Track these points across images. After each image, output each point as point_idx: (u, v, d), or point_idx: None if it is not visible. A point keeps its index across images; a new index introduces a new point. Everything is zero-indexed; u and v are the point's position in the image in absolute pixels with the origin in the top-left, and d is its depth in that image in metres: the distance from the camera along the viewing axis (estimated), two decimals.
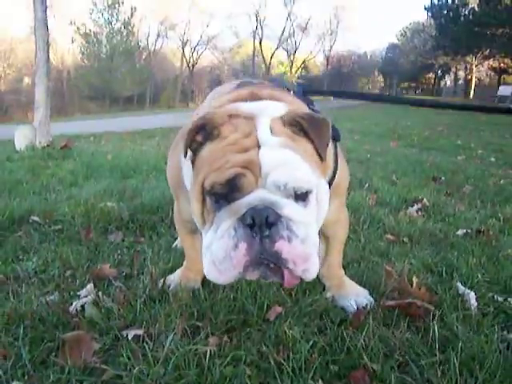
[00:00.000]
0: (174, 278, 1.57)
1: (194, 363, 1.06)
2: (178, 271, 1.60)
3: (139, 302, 1.36)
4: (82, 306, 1.36)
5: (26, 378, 1.04)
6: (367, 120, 12.54)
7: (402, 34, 52.45)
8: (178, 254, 1.82)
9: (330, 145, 1.16)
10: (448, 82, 53.27)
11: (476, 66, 35.85)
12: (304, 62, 50.97)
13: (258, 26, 45.99)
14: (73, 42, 36.98)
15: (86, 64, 36.59)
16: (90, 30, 36.09)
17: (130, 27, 37.39)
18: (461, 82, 46.45)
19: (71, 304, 1.37)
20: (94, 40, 36.10)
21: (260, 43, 46.64)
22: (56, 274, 1.64)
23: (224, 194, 0.93)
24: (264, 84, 1.45)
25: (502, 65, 34.29)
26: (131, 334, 1.19)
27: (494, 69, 37.28)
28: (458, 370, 1.08)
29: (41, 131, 5.12)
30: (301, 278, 0.95)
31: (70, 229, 2.20)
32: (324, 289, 1.52)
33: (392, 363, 1.13)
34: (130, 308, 1.34)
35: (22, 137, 5.14)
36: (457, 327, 1.29)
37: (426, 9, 34.20)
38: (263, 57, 47.13)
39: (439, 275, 1.86)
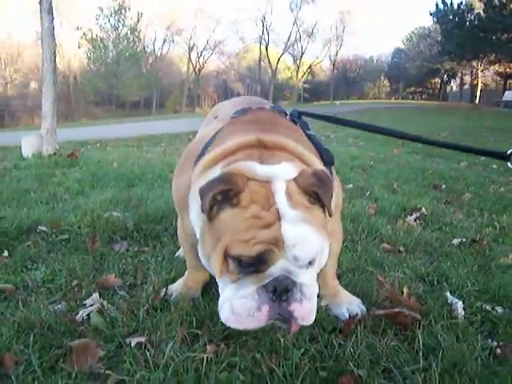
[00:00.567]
0: (175, 288, 1.65)
1: (192, 369, 1.13)
2: (180, 281, 1.68)
3: (142, 311, 1.45)
4: (88, 315, 1.44)
5: (36, 383, 1.12)
6: None
7: (407, 39, 52.51)
8: (180, 263, 1.90)
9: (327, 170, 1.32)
10: (454, 87, 53.16)
11: (482, 71, 35.80)
12: (310, 66, 51.13)
13: (264, 31, 46.26)
14: (79, 47, 37.43)
15: (92, 69, 36.97)
16: (97, 36, 36.49)
17: (136, 32, 37.76)
18: (467, 86, 46.35)
19: (77, 313, 1.45)
20: (101, 45, 36.47)
21: (266, 48, 46.86)
22: (63, 284, 1.73)
23: (250, 264, 1.06)
24: (264, 110, 1.55)
25: (507, 70, 34.20)
26: (134, 341, 1.27)
27: (500, 74, 37.19)
28: (439, 377, 1.15)
29: (47, 140, 5.25)
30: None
31: (77, 238, 2.29)
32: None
33: (378, 370, 1.20)
34: (133, 317, 1.43)
35: (28, 145, 5.27)
36: (441, 335, 1.35)
37: (431, 14, 34.23)
38: (269, 62, 47.34)
39: (431, 284, 1.93)
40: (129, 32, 37.34)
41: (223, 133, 1.37)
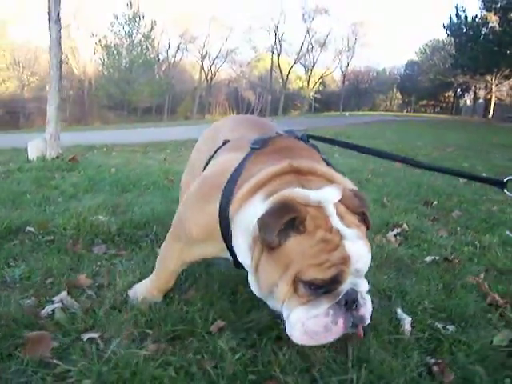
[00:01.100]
0: (140, 291, 1.71)
1: (132, 364, 1.25)
2: (145, 284, 1.72)
3: (102, 310, 1.57)
4: (53, 311, 1.57)
5: None
6: (380, 139, 12.56)
7: (421, 51, 52.41)
8: (148, 268, 2.01)
9: None
10: (468, 101, 52.81)
11: (496, 85, 35.55)
12: (321, 77, 51.36)
13: (277, 41, 46.73)
14: (95, 53, 38.25)
15: (106, 75, 37.67)
16: (111, 43, 37.23)
17: (149, 40, 38.39)
18: (481, 101, 46.02)
19: (44, 308, 1.58)
20: (115, 52, 37.15)
21: (278, 58, 47.29)
22: (38, 281, 1.86)
23: (323, 286, 1.15)
24: (283, 136, 1.63)
25: None
26: (87, 336, 1.39)
27: None
28: None
29: (51, 144, 5.46)
30: None
31: (61, 240, 2.41)
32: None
33: (307, 378, 1.30)
34: (93, 314, 1.55)
35: (34, 148, 5.49)
36: (373, 349, 1.44)
37: (444, 27, 34.18)
38: (281, 71, 47.71)
39: (389, 300, 1.99)
40: (142, 39, 37.98)
41: (249, 162, 1.42)
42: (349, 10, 78.44)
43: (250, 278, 1.28)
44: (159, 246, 1.78)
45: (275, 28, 46.10)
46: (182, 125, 22.47)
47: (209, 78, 47.26)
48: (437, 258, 2.68)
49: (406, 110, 51.14)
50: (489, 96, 38.04)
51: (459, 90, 47.46)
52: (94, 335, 1.40)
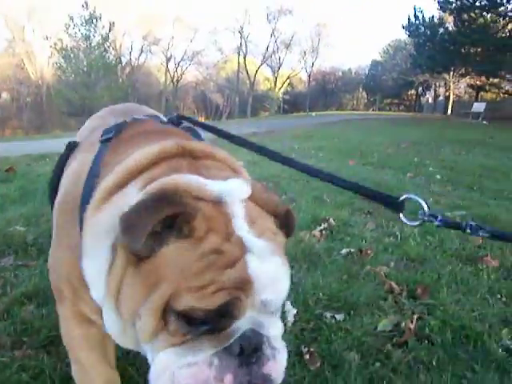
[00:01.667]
0: None
1: None
2: None
3: None
4: None
5: None
6: (339, 137, 12.79)
7: (384, 52, 53.90)
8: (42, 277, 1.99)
9: None
10: (430, 99, 54.64)
11: (454, 83, 36.93)
12: (288, 78, 51.94)
13: (243, 42, 46.94)
14: (51, 56, 36.78)
15: (63, 79, 36.32)
16: (67, 45, 35.79)
17: (107, 42, 37.25)
18: (441, 98, 47.69)
19: None
20: (71, 55, 35.82)
21: (244, 59, 47.48)
22: None
23: (206, 321, 0.77)
24: (142, 120, 1.29)
25: (478, 82, 35.43)
26: None
27: (471, 86, 38.46)
28: None
29: None
30: None
31: None
32: None
33: None
34: None
35: None
36: None
37: (403, 27, 35.26)
38: (247, 73, 47.92)
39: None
40: (100, 41, 36.76)
41: (107, 157, 1.05)
42: (312, 11, 80.00)
43: (106, 311, 0.87)
44: None
45: (240, 29, 46.36)
46: None
47: (175, 80, 46.88)
48: (352, 250, 2.79)
49: (371, 109, 52.34)
50: (448, 94, 39.53)
51: (421, 88, 49.03)
52: None
